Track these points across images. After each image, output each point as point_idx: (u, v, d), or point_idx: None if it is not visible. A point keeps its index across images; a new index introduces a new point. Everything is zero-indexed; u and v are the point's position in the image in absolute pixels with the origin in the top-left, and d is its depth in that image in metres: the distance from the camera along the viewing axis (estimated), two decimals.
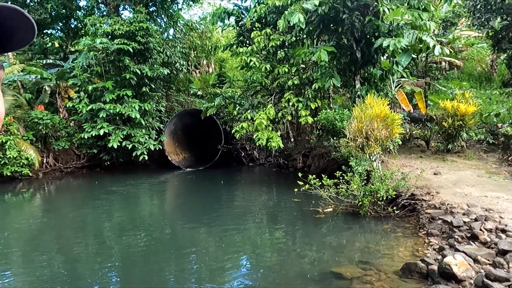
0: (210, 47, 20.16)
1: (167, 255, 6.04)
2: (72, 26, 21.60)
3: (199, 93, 18.00)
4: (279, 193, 10.77)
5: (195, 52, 20.63)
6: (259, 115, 10.57)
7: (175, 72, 17.33)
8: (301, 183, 7.06)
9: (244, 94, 13.77)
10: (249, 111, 11.27)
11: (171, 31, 19.09)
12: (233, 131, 11.66)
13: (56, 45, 21.09)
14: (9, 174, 13.44)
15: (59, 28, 22.21)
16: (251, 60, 10.97)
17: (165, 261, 5.77)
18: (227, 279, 4.96)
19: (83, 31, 19.50)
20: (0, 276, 5.08)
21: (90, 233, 7.50)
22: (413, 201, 7.00)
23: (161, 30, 17.62)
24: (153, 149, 15.06)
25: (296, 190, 7.18)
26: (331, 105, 12.32)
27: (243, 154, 16.74)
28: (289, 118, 11.11)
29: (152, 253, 6.16)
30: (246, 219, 8.10)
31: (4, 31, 0.47)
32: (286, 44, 11.61)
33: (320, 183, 7.05)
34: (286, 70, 11.06)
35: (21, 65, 16.91)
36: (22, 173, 13.79)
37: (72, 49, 20.20)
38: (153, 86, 15.85)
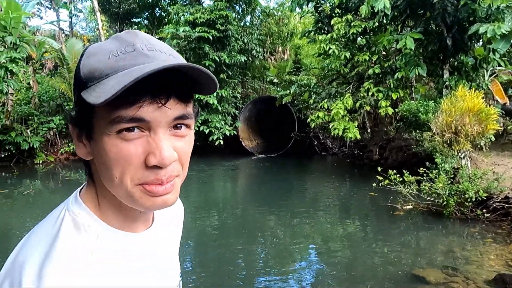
0: (286, 34, 20.02)
1: (237, 237, 6.25)
2: (157, 15, 22.85)
3: (275, 80, 18.05)
4: (353, 185, 10.50)
5: (271, 38, 20.64)
6: (336, 105, 10.31)
7: (251, 59, 17.55)
8: (380, 177, 6.78)
9: (320, 82, 13.51)
10: (325, 100, 11.04)
11: (249, 18, 19.26)
12: (308, 120, 11.54)
13: None
14: None
15: (145, 17, 23.66)
16: (330, 48, 10.68)
17: (235, 242, 5.98)
18: (294, 268, 4.99)
19: (166, 19, 20.51)
20: None
21: None
22: (507, 205, 6.37)
23: (239, 17, 17.86)
24: (228, 134, 15.54)
25: (374, 185, 6.92)
26: (413, 96, 11.59)
27: (316, 142, 16.55)
28: (368, 108, 10.67)
29: (223, 234, 6.41)
30: (316, 208, 8.04)
31: (198, 84, 0.58)
32: (368, 30, 11.09)
33: (401, 178, 6.71)
34: (367, 58, 10.58)
35: None
36: None
37: (157, 37, 21.33)
38: (230, 73, 16.24)
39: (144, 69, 0.51)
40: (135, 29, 19.76)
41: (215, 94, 14.95)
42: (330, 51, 10.84)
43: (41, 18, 29.68)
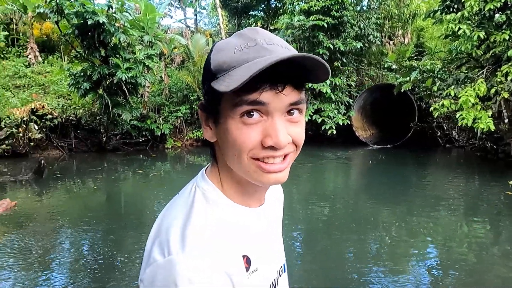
0: (407, 16, 18.55)
1: (347, 229, 6.10)
2: (272, 6, 23.37)
3: (393, 66, 16.93)
4: (484, 182, 9.31)
5: (390, 22, 19.36)
6: (465, 92, 9.19)
7: (367, 45, 16.77)
8: None
9: (446, 67, 12.21)
10: (452, 86, 9.94)
11: (365, 1, 18.35)
12: (431, 108, 10.57)
13: (259, 25, 23.29)
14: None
15: (261, 9, 24.41)
16: (459, 28, 9.53)
17: (345, 234, 5.85)
18: (410, 267, 4.67)
19: (281, 10, 20.82)
20: None
21: None
22: None
23: (355, 2, 17.15)
24: (341, 124, 15.20)
25: (511, 182, 6.03)
26: None
27: (439, 133, 15.10)
28: (506, 95, 9.27)
29: (333, 225, 6.33)
30: (437, 206, 7.36)
31: (311, 72, 0.65)
32: (509, 5, 9.58)
33: None
34: (506, 37, 9.16)
35: None
36: None
37: (272, 28, 21.88)
38: (344, 61, 15.80)
39: (265, 61, 0.58)
40: (252, 21, 20.66)
41: (328, 82, 14.76)
42: (460, 31, 9.68)
43: (171, 17, 33.00)
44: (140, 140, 15.96)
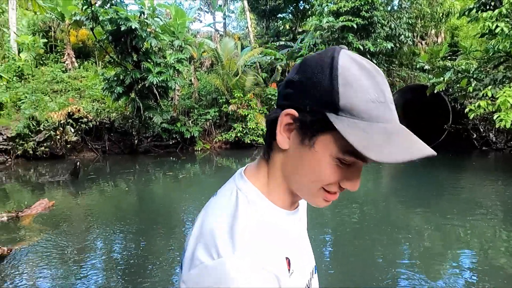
0: (441, 14, 18.00)
1: (378, 232, 5.96)
2: (301, 8, 23.28)
3: (426, 66, 16.45)
4: None
5: (423, 21, 18.86)
6: (504, 92, 8.81)
7: (398, 45, 16.42)
8: None
9: (482, 67, 11.75)
10: (489, 87, 9.55)
11: (396, 1, 17.97)
12: (466, 110, 10.20)
13: (287, 27, 23.29)
14: (248, 142, 16.05)
15: (289, 11, 24.37)
16: (497, 26, 9.16)
17: (375, 237, 5.72)
18: (443, 272, 4.50)
19: (310, 11, 20.72)
20: None
21: None
22: None
23: (385, 1, 16.84)
24: None
25: None
26: None
27: (475, 136, 14.54)
28: None
29: (364, 228, 6.21)
30: (473, 211, 7.07)
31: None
32: None
33: None
34: None
35: (260, 48, 19.49)
36: (258, 141, 16.21)
37: (300, 30, 21.82)
38: (374, 62, 15.48)
39: (410, 151, 0.59)
40: (280, 24, 20.61)
41: None
42: (498, 29, 9.31)
43: (201, 21, 33.52)
44: (170, 143, 16.29)
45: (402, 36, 15.73)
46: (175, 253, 5.19)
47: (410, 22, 16.76)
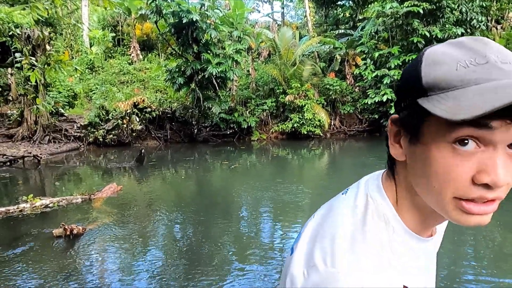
0: None
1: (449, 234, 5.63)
2: None
3: None
4: None
5: (498, 3, 17.29)
6: None
7: (469, 30, 15.20)
8: None
9: None
10: None
11: None
12: None
13: (347, 15, 22.55)
14: (305, 132, 15.92)
15: None
16: None
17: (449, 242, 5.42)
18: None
19: None
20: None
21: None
22: None
23: None
24: None
25: None
26: None
27: None
28: None
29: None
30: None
31: None
32: None
33: None
34: None
35: (318, 37, 19.12)
36: (314, 132, 16.02)
37: (361, 17, 21.02)
38: None
39: (506, 88, 0.48)
40: (339, 11, 20.01)
41: None
42: None
43: (259, 11, 33.55)
44: (228, 132, 16.65)
45: (475, 21, 14.54)
46: (231, 238, 5.33)
47: (484, 5, 15.42)
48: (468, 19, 14.56)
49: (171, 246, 5.16)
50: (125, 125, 14.92)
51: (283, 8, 30.33)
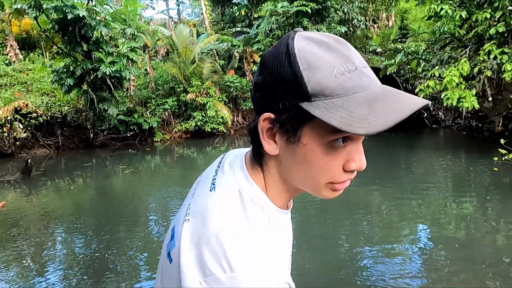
0: None
1: (340, 213, 6.16)
2: None
3: (378, 49, 16.98)
4: (470, 160, 9.49)
5: (374, 5, 19.39)
6: (449, 72, 9.30)
7: (352, 29, 16.80)
8: (503, 151, 6.01)
9: (430, 48, 12.31)
10: (436, 67, 10.04)
11: None
12: (416, 90, 10.68)
13: (243, 13, 23.07)
14: (209, 130, 15.92)
15: None
16: (441, 8, 9.59)
17: (337, 218, 5.93)
18: (401, 247, 4.76)
19: None
20: None
21: None
22: None
23: None
24: None
25: (496, 159, 6.17)
26: None
27: (425, 115, 15.29)
28: (489, 73, 9.40)
29: (325, 210, 6.38)
30: (426, 185, 7.50)
31: None
32: None
33: None
34: (488, 16, 9.25)
35: (216, 35, 19.22)
36: (218, 129, 16.12)
37: (256, 16, 21.71)
38: None
39: (398, 110, 0.55)
40: (235, 10, 20.32)
41: None
42: (442, 12, 9.74)
43: (153, 8, 32.46)
44: (128, 135, 15.82)
45: (355, 20, 16.11)
46: (139, 245, 5.11)
47: (362, 6, 17.17)
48: (350, 18, 16.05)
49: (72, 264, 4.73)
50: (6, 134, 13.19)
51: (178, 5, 29.81)
